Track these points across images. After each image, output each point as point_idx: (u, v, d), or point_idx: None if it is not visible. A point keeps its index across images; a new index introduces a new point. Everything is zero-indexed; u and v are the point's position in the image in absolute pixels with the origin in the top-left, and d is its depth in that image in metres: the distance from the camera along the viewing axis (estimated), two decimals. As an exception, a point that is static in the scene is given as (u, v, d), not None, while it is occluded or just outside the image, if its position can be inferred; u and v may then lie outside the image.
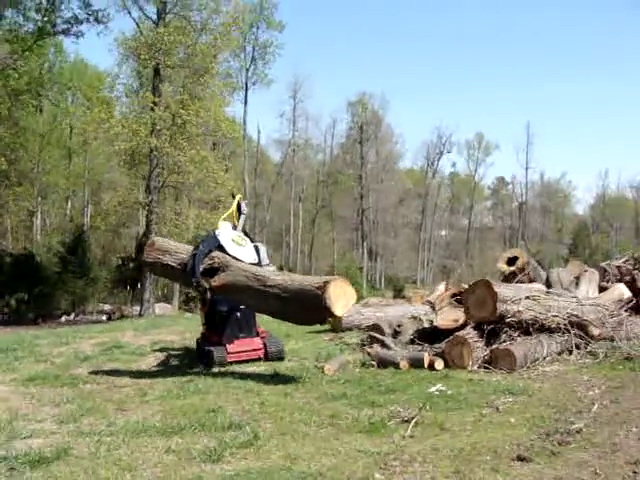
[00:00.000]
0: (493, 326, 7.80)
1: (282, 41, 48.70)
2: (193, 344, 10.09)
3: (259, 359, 8.18)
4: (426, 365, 7.60)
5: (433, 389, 6.31)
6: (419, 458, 4.16)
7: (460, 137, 68.54)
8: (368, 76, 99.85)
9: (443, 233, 69.82)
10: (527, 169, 63.96)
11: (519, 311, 7.79)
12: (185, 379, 7.29)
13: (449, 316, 8.88)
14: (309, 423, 5.16)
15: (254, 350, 8.24)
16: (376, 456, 4.25)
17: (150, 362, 8.91)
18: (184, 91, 23.62)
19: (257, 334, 8.43)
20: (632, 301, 9.34)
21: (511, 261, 11.04)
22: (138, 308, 27.45)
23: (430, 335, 8.81)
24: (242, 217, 8.77)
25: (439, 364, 7.53)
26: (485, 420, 5.14)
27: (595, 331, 8.15)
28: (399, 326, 9.41)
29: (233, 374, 7.51)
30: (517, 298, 7.92)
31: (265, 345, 8.29)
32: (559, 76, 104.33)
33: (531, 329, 7.86)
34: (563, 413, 5.25)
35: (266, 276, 7.51)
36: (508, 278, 10.67)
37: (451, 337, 7.84)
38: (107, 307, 34.20)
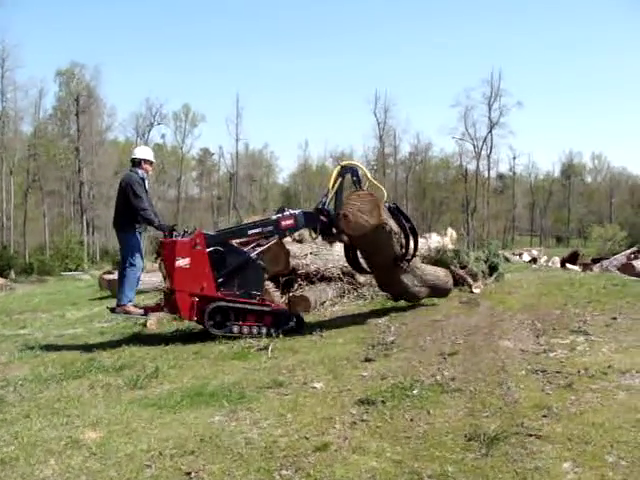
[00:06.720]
0: (287, 277, 9.20)
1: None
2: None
3: None
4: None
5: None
6: (297, 368, 5.37)
7: (171, 109, 68.68)
8: (81, 47, 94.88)
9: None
10: (237, 140, 67.20)
11: (307, 264, 9.33)
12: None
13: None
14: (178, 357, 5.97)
15: None
16: (263, 371, 5.32)
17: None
18: None
19: None
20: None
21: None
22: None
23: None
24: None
25: (247, 312, 8.68)
26: (320, 343, 6.52)
27: (361, 278, 10.04)
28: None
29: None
30: (304, 253, 9.46)
31: None
32: (267, 51, 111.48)
33: (314, 279, 9.45)
34: (373, 333, 6.89)
35: None
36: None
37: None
38: None
